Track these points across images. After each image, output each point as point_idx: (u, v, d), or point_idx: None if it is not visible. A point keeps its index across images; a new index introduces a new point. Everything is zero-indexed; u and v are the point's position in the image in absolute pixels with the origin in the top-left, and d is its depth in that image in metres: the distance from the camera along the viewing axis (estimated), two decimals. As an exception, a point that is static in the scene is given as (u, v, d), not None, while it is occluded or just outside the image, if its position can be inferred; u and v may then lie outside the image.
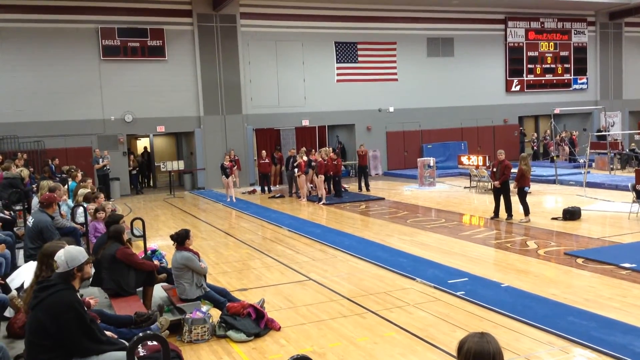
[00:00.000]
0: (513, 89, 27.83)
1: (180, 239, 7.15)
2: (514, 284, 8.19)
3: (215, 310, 7.01)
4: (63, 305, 4.32)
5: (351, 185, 20.65)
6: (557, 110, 21.88)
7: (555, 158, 21.13)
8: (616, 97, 29.91)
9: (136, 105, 21.30)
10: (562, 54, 28.82)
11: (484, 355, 2.69)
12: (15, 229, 10.21)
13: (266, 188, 20.64)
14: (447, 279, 8.51)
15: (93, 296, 6.31)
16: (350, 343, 6.32)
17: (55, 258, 4.53)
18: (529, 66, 28.11)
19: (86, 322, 4.40)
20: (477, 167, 19.56)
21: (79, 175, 13.31)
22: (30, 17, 19.77)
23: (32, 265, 6.18)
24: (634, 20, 29.55)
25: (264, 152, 21.07)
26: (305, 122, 24.05)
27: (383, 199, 17.71)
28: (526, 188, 12.99)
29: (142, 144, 25.61)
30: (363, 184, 19.81)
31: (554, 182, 19.22)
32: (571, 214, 12.80)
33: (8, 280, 6.49)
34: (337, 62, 24.29)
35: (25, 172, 13.80)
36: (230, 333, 6.53)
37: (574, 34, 28.93)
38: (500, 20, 27.30)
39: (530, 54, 28.08)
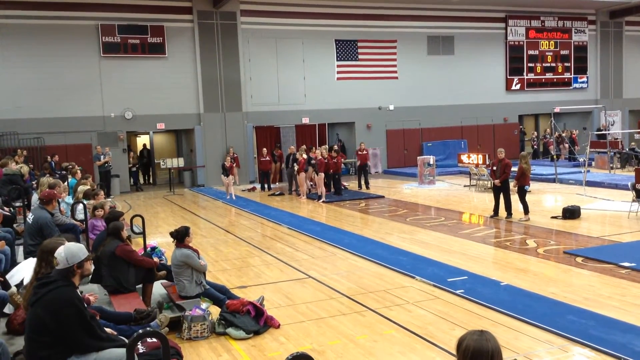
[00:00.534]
0: (513, 87, 27.83)
1: (180, 236, 7.15)
2: (513, 282, 8.20)
3: (215, 308, 7.02)
4: (63, 301, 4.32)
5: (351, 183, 20.67)
6: (557, 109, 21.87)
7: (555, 157, 21.12)
8: (616, 96, 29.90)
9: (136, 102, 21.29)
10: (563, 52, 28.81)
11: (482, 353, 2.69)
12: (15, 225, 10.20)
13: (266, 186, 20.65)
14: (447, 277, 8.51)
15: (92, 293, 6.32)
16: (350, 341, 6.32)
17: (55, 255, 4.53)
18: (529, 65, 28.10)
19: (86, 319, 4.40)
20: (477, 165, 19.56)
21: (79, 172, 13.30)
22: (30, 13, 19.75)
23: (32, 261, 6.18)
24: (635, 19, 29.54)
25: (264, 149, 21.05)
26: (306, 120, 24.04)
27: (383, 197, 17.71)
28: (526, 187, 12.99)
29: (141, 141, 25.59)
30: (363, 182, 19.82)
31: (553, 180, 19.23)
32: (571, 213, 12.80)
33: (7, 276, 6.49)
34: (337, 60, 24.28)
35: (25, 169, 13.78)
36: (230, 330, 6.54)
37: (575, 32, 28.91)
38: (500, 19, 27.28)
39: (531, 52, 28.07)
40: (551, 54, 28.54)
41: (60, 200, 9.55)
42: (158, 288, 7.57)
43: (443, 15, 25.75)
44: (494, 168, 13.38)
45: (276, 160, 22.25)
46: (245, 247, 11.44)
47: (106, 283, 6.95)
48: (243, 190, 20.51)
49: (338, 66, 24.32)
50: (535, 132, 28.46)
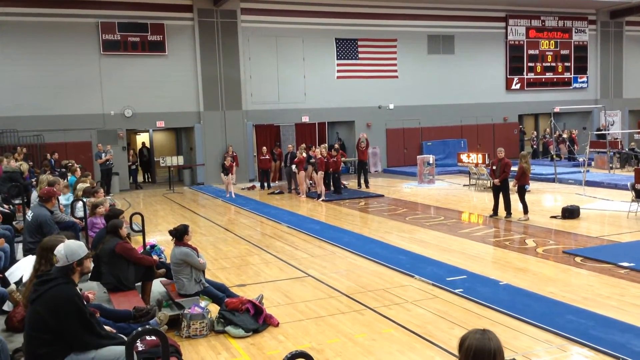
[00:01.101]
0: (513, 87, 27.82)
1: (179, 234, 7.15)
2: (512, 281, 8.20)
3: (214, 306, 7.02)
4: (63, 299, 4.33)
5: (350, 182, 20.67)
6: (557, 109, 21.88)
7: (555, 157, 21.12)
8: (616, 96, 29.90)
9: (136, 100, 21.28)
10: (563, 52, 28.80)
11: (484, 352, 2.69)
12: (14, 222, 10.22)
13: (265, 184, 20.64)
14: (446, 276, 8.51)
15: (91, 290, 6.32)
16: (349, 339, 6.33)
17: (55, 252, 4.53)
18: (530, 64, 28.09)
19: (86, 316, 4.40)
20: (476, 164, 19.56)
21: (78, 170, 13.30)
22: (30, 10, 19.73)
23: (31, 259, 6.18)
24: (635, 19, 29.53)
25: (264, 148, 21.04)
26: (305, 119, 24.04)
27: (382, 196, 17.71)
28: (526, 186, 13.00)
29: (141, 139, 25.58)
30: (362, 181, 19.82)
31: (553, 180, 19.24)
32: (570, 213, 12.81)
33: (7, 274, 6.50)
34: (337, 59, 24.27)
35: (24, 166, 13.79)
36: (229, 328, 6.54)
37: (575, 32, 28.90)
38: (501, 18, 27.27)
39: (531, 52, 28.06)
40: (551, 53, 28.53)
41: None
42: (157, 286, 7.58)
43: (443, 15, 25.73)
44: (494, 167, 13.38)
45: (276, 159, 22.25)
46: (244, 246, 11.44)
47: (105, 281, 6.95)
48: (242, 189, 20.51)
49: (338, 65, 24.31)
50: (535, 132, 28.47)
